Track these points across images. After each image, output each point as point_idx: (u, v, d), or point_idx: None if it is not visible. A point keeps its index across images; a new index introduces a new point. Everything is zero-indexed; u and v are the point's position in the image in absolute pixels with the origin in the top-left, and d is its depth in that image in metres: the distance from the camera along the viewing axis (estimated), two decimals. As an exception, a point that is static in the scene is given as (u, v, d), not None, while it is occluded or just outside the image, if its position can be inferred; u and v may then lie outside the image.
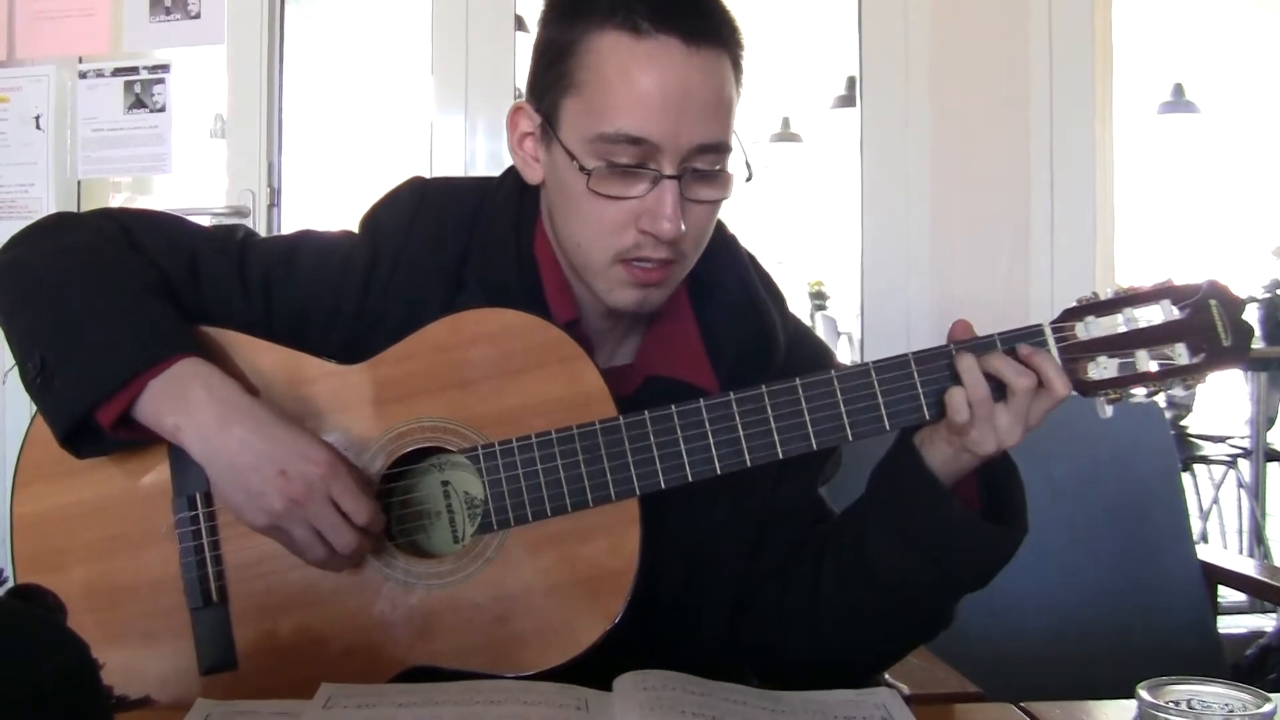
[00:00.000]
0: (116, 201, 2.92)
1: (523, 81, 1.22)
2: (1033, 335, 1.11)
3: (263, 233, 2.25)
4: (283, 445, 1.08)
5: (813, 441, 1.11)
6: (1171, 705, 0.86)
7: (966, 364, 1.09)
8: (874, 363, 1.11)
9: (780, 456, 1.11)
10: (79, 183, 2.74)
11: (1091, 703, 1.10)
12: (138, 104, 2.67)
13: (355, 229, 1.25)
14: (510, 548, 1.13)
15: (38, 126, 2.70)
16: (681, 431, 1.11)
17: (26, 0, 2.70)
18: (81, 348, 1.10)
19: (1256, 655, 2.79)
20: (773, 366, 1.22)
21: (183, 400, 1.08)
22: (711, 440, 1.11)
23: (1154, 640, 1.98)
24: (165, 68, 2.67)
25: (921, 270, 2.80)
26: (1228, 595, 2.96)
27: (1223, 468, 4.62)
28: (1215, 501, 4.61)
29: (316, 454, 1.08)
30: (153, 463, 1.16)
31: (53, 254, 1.18)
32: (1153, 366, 1.09)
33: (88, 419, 1.09)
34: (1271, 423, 4.59)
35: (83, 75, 2.69)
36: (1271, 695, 0.87)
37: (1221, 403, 5.07)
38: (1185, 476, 3.62)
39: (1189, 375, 1.09)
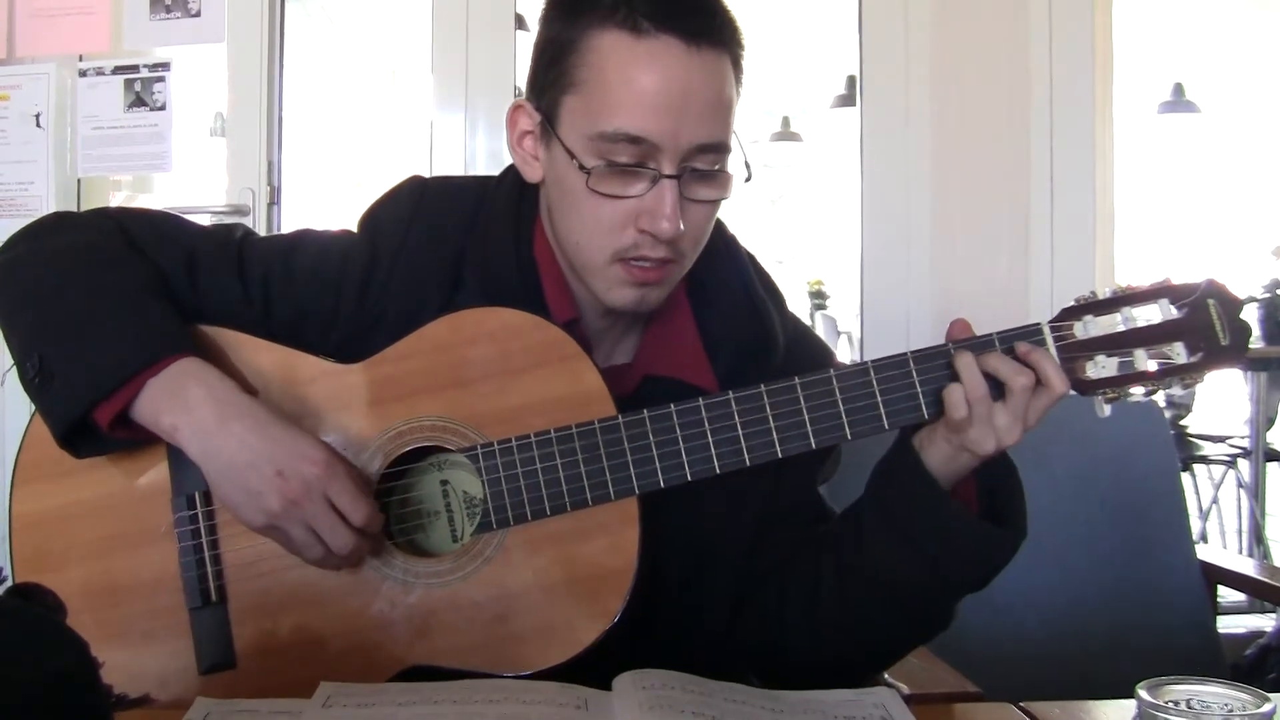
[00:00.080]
0: (116, 200, 2.92)
1: (523, 80, 1.22)
2: (1031, 334, 1.11)
3: (262, 232, 2.26)
4: (281, 445, 1.08)
5: (812, 441, 1.11)
6: (1171, 705, 0.86)
7: (965, 362, 1.09)
8: (873, 362, 1.11)
9: (779, 456, 1.11)
10: (79, 181, 2.74)
11: (1091, 702, 1.10)
12: (138, 102, 2.67)
13: (354, 228, 1.25)
14: (509, 547, 1.13)
15: (38, 124, 2.70)
16: (681, 431, 1.11)
17: (27, -2, 2.70)
18: (80, 347, 1.10)
19: (1256, 655, 2.79)
20: (772, 366, 1.22)
21: (181, 399, 1.08)
22: (711, 440, 1.11)
23: (1153, 640, 1.98)
24: (165, 66, 2.67)
25: (921, 269, 2.80)
26: (1227, 595, 2.96)
27: (1222, 467, 4.62)
28: (1215, 501, 4.61)
29: (314, 454, 1.08)
30: (151, 462, 1.16)
31: (52, 253, 1.18)
32: (1151, 365, 1.09)
33: (86, 418, 1.09)
34: (1271, 423, 4.59)
35: (83, 73, 2.69)
36: (1271, 695, 0.87)
37: (1221, 402, 5.07)
38: (1185, 476, 3.62)
39: (1187, 374, 1.09)
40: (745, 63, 1.15)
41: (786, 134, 6.86)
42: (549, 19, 1.16)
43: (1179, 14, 5.56)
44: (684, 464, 1.11)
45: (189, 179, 3.00)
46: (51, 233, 1.21)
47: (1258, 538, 4.44)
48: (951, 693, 1.39)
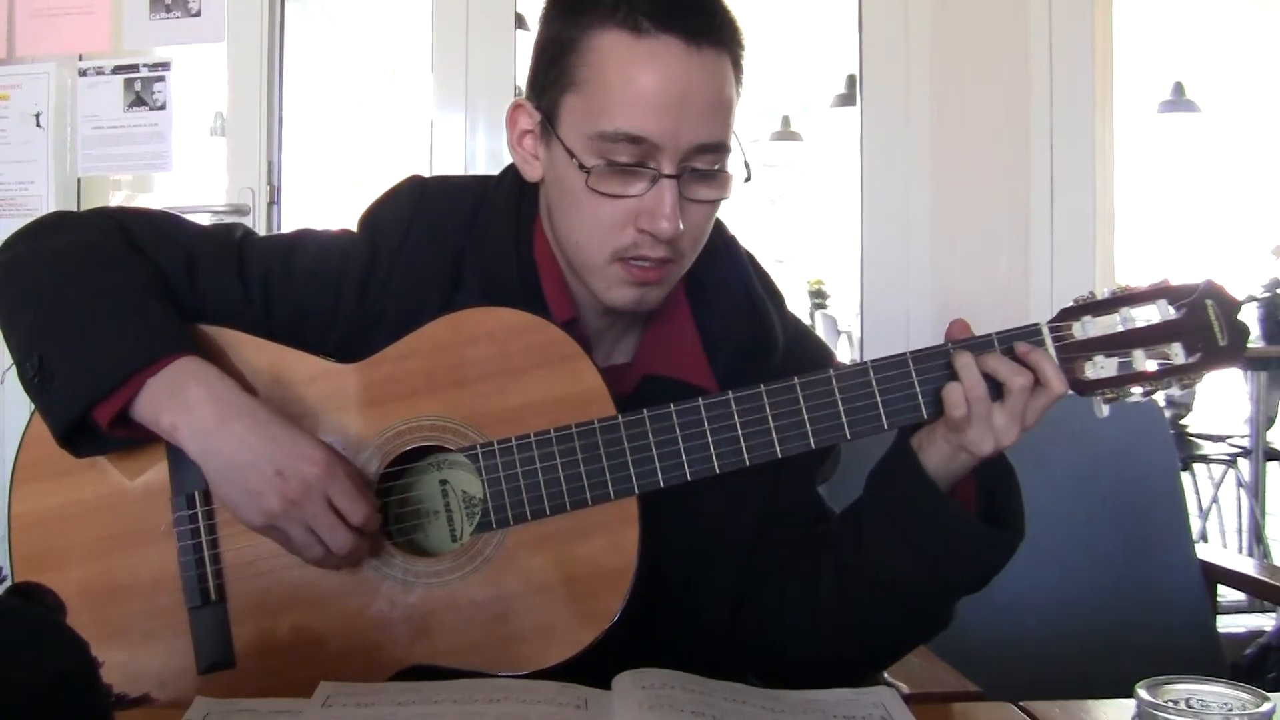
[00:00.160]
0: (116, 199, 2.92)
1: (523, 80, 1.22)
2: (1030, 335, 1.11)
3: (262, 231, 2.26)
4: (281, 445, 1.08)
5: (811, 441, 1.11)
6: (1170, 704, 0.85)
7: (964, 361, 1.09)
8: (872, 362, 1.11)
9: (779, 455, 1.11)
10: (79, 180, 2.75)
11: (1090, 702, 1.10)
12: (138, 102, 2.67)
13: (354, 228, 1.25)
14: (509, 546, 1.13)
15: (38, 124, 2.70)
16: (680, 431, 1.11)
17: (26, -2, 2.70)
18: (79, 347, 1.10)
19: (1255, 654, 2.79)
20: (771, 366, 1.22)
21: (180, 399, 1.08)
22: (710, 439, 1.11)
23: (1153, 639, 1.98)
24: (165, 65, 2.67)
25: (921, 269, 2.80)
26: (1227, 594, 2.96)
27: (1222, 467, 4.62)
28: (1215, 500, 4.61)
29: (314, 454, 1.08)
30: (151, 461, 1.16)
31: (51, 253, 1.18)
32: (1149, 366, 1.09)
33: (85, 418, 1.09)
34: (1271, 422, 4.59)
35: (83, 73, 2.69)
36: (1270, 694, 0.87)
37: (1221, 402, 5.07)
38: (1185, 476, 3.62)
39: (1185, 375, 1.09)
40: (745, 63, 1.15)
41: (786, 133, 6.86)
42: (549, 18, 1.16)
43: (1179, 13, 5.56)
44: (683, 464, 1.11)
45: (189, 179, 3.00)
46: (51, 232, 1.21)
47: (1257, 537, 4.44)
48: (951, 692, 1.39)
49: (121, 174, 2.86)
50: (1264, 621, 3.39)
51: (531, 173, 1.20)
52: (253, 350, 1.18)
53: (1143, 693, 0.86)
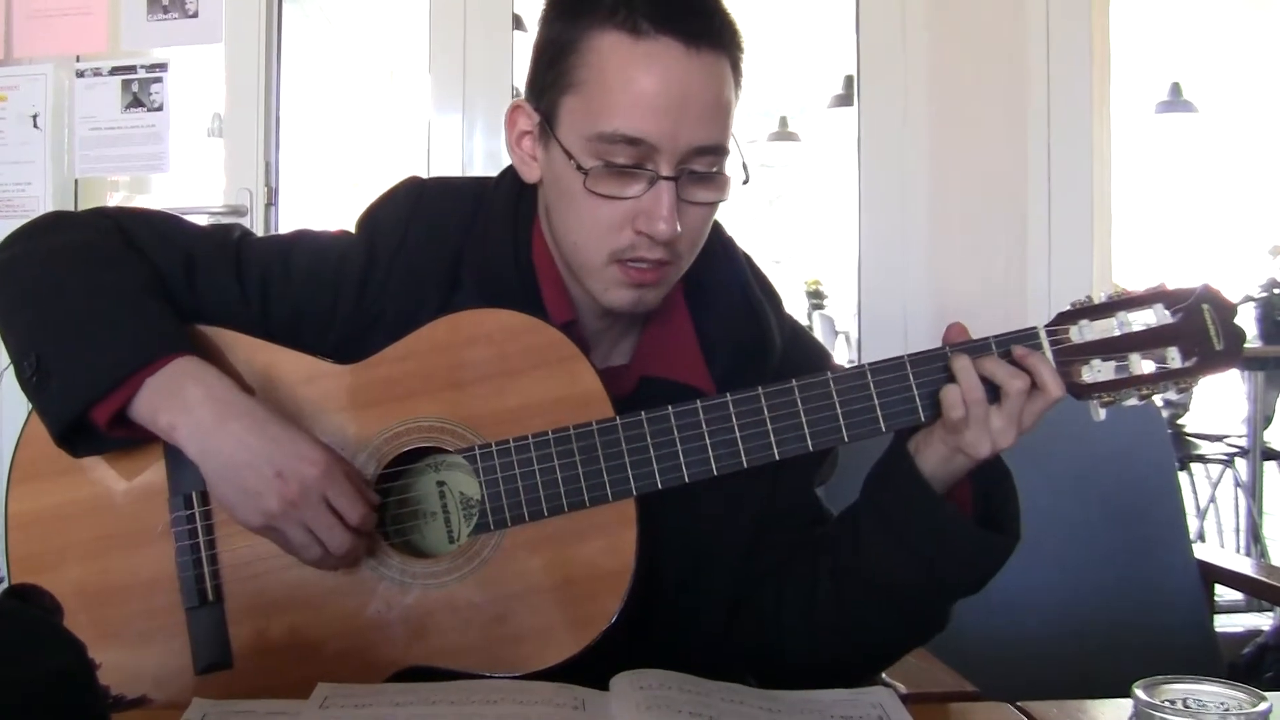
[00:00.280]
0: (114, 200, 2.92)
1: (520, 81, 1.22)
2: (1027, 338, 1.11)
3: (260, 232, 2.25)
4: (279, 445, 1.08)
5: (809, 443, 1.11)
6: (1167, 704, 0.86)
7: (962, 364, 1.09)
8: (870, 364, 1.11)
9: (777, 458, 1.11)
10: (76, 181, 2.75)
11: (1088, 701, 1.10)
12: (135, 103, 2.67)
13: (352, 229, 1.25)
14: (507, 548, 1.13)
15: (35, 125, 2.70)
16: (678, 433, 1.11)
17: (24, -1, 2.70)
18: (77, 347, 1.10)
19: (1253, 654, 2.80)
20: (768, 368, 1.22)
21: (178, 399, 1.08)
22: (708, 441, 1.11)
23: (1151, 639, 1.98)
24: (163, 67, 2.68)
25: (919, 269, 2.80)
26: (1224, 594, 2.97)
27: (1220, 466, 4.62)
28: (1212, 500, 4.61)
29: (313, 454, 1.08)
30: (148, 461, 1.16)
31: (49, 253, 1.18)
32: (1146, 370, 1.10)
33: (83, 418, 1.09)
34: (1268, 421, 4.59)
35: (80, 74, 2.69)
36: (1267, 694, 0.87)
37: (1218, 401, 5.07)
38: (1182, 475, 3.62)
39: (1181, 379, 1.09)
40: (744, 65, 1.15)
41: (784, 134, 6.86)
42: (549, 19, 1.16)
43: (1176, 14, 5.56)
44: (681, 466, 1.11)
45: (186, 180, 3.00)
46: (49, 232, 1.21)
47: (1255, 536, 4.44)
48: (948, 692, 1.39)
49: (119, 175, 2.86)
50: (1261, 621, 3.39)
51: (530, 174, 1.20)
52: (251, 351, 1.18)
53: (1140, 692, 0.87)
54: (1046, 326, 1.11)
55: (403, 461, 1.16)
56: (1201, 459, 4.66)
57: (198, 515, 1.14)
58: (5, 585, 0.97)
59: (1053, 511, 2.01)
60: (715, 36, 1.10)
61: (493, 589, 1.12)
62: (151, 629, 1.14)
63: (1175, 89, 5.98)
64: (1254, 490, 4.47)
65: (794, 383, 1.11)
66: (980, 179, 2.79)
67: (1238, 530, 4.68)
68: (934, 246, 2.80)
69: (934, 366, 1.11)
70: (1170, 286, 1.11)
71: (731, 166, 1.14)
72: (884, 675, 1.33)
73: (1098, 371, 1.10)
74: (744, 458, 1.11)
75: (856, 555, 1.16)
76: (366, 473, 1.14)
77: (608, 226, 1.12)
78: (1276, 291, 4.33)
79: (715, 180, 1.13)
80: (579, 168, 1.11)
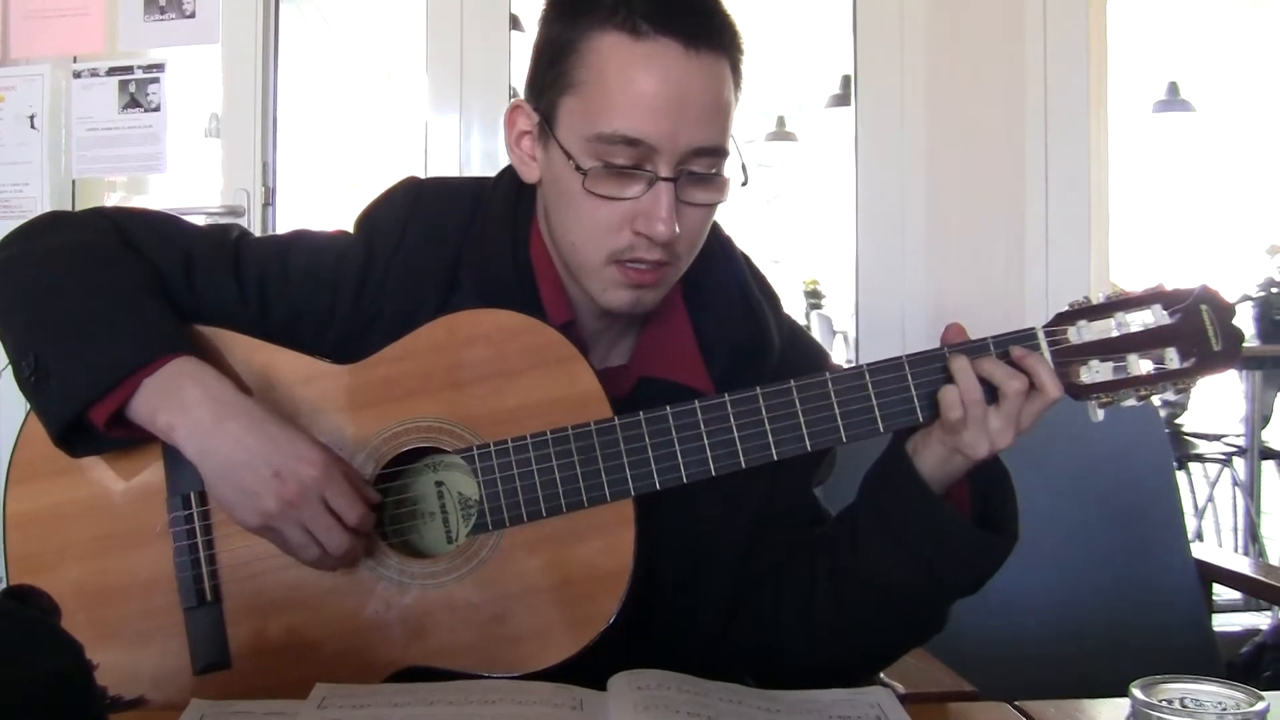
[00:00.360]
0: (111, 201, 2.92)
1: (518, 81, 1.22)
2: (1025, 339, 1.11)
3: (257, 232, 2.25)
4: (278, 445, 1.08)
5: (807, 443, 1.11)
6: (1165, 704, 0.86)
7: (960, 364, 1.09)
8: (868, 365, 1.11)
9: (775, 458, 1.12)
10: (74, 182, 2.74)
11: (1086, 701, 1.10)
12: (132, 103, 2.67)
13: (350, 229, 1.25)
14: (505, 548, 1.13)
15: (32, 126, 2.70)
16: (676, 433, 1.11)
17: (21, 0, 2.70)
18: (76, 347, 1.10)
19: (1251, 653, 2.80)
20: (767, 368, 1.22)
21: (177, 399, 1.08)
22: (706, 441, 1.11)
23: (1149, 639, 1.98)
24: (160, 67, 2.67)
25: (917, 269, 2.80)
26: (1222, 593, 2.96)
27: (1218, 466, 4.62)
28: (1210, 500, 4.61)
29: (311, 454, 1.08)
30: (147, 461, 1.16)
31: (47, 253, 1.18)
32: (1144, 370, 1.10)
33: (82, 418, 1.09)
34: (1266, 421, 4.59)
35: (77, 75, 2.69)
36: (1265, 694, 0.87)
37: (1216, 401, 5.08)
38: (1180, 475, 3.62)
39: (1179, 380, 1.09)
40: (744, 66, 1.15)
41: (782, 134, 6.86)
42: (548, 20, 1.16)
43: (1173, 13, 5.57)
44: (680, 466, 1.11)
45: (184, 180, 3.00)
46: (46, 232, 1.21)
47: (1253, 536, 4.44)
48: (947, 692, 1.39)
49: (116, 176, 2.86)
50: (1259, 620, 3.40)
51: (529, 174, 1.20)
52: (249, 351, 1.17)
53: (1137, 692, 0.87)
54: (1045, 327, 1.11)
55: (401, 462, 1.16)
56: (1199, 458, 4.66)
57: (196, 515, 1.14)
58: (3, 585, 0.97)
59: (1051, 512, 2.01)
60: (715, 38, 1.10)
61: (491, 589, 1.12)
62: (150, 629, 1.14)
63: (1173, 88, 5.98)
64: (1252, 489, 4.47)
65: (792, 383, 1.11)
66: (978, 179, 2.79)
67: (1236, 529, 4.69)
68: (932, 246, 2.80)
69: (932, 367, 1.11)
70: (1168, 287, 1.11)
71: (730, 168, 1.14)
72: (882, 675, 1.34)
73: (1096, 372, 1.10)
74: (742, 458, 1.11)
75: (855, 555, 1.16)
76: (365, 473, 1.14)
77: (606, 227, 1.12)
78: (1274, 291, 4.33)
79: (714, 182, 1.13)
80: (578, 168, 1.10)
